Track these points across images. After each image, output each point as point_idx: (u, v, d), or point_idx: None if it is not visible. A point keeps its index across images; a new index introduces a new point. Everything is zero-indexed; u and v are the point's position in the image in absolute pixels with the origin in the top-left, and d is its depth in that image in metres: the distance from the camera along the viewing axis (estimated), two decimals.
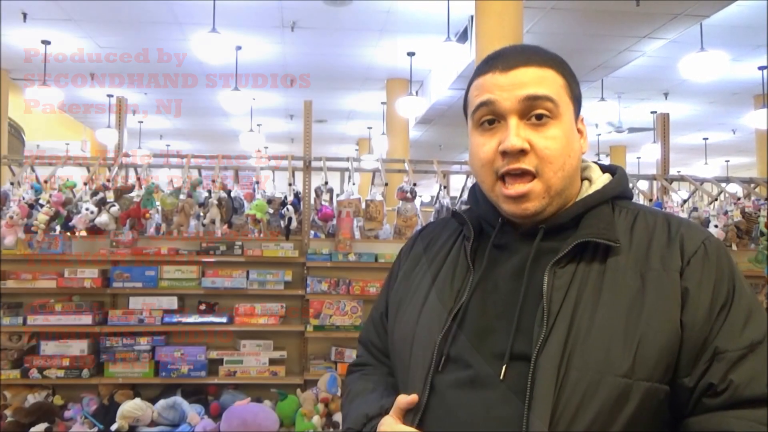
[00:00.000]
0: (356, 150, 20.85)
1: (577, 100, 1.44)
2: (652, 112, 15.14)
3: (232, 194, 5.18)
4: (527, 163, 1.34)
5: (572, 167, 1.39)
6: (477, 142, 1.41)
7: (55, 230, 5.02)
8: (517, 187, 1.35)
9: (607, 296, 1.27)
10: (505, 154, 1.35)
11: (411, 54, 12.37)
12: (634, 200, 1.50)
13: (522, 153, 1.34)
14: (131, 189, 5.04)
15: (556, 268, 1.31)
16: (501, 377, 1.27)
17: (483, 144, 1.39)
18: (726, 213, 5.68)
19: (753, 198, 5.98)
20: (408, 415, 1.38)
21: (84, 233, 5.14)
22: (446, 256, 1.53)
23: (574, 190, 1.43)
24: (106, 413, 4.48)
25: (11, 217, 4.68)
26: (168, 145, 21.19)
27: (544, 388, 1.21)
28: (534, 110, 1.35)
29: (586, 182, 1.47)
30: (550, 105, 1.35)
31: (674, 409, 1.26)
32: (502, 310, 1.34)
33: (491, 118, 1.38)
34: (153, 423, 4.39)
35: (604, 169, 1.51)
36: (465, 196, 5.68)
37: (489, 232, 1.47)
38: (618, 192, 1.44)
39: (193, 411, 4.46)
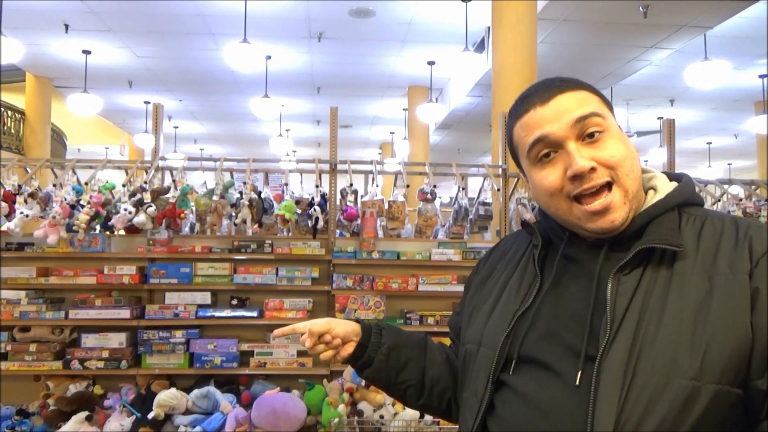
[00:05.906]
0: (379, 153, 20.87)
1: (612, 112, 1.41)
2: (658, 118, 15.10)
3: (263, 195, 5.15)
4: (601, 177, 1.30)
5: (638, 168, 1.37)
6: (539, 176, 1.37)
7: (95, 229, 5.00)
8: (601, 201, 1.30)
9: (674, 301, 1.21)
10: (575, 177, 1.31)
11: (431, 63, 12.38)
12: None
13: (592, 171, 1.29)
14: (167, 190, 5.02)
15: (620, 275, 1.27)
16: (577, 382, 1.23)
17: (546, 176, 1.35)
18: (728, 213, 5.61)
19: (754, 199, 5.96)
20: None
21: (122, 232, 5.13)
22: (517, 264, 1.51)
23: (641, 197, 1.39)
24: (143, 402, 4.46)
25: (54, 217, 4.67)
26: (202, 149, 21.32)
27: (610, 390, 1.16)
28: (586, 129, 1.32)
29: (651, 191, 1.41)
30: (599, 120, 1.32)
31: (750, 413, 1.18)
32: (572, 315, 1.31)
33: (547, 151, 1.34)
34: (188, 411, 4.36)
35: (671, 177, 1.45)
36: (483, 197, 5.65)
37: (557, 243, 1.44)
38: (683, 199, 1.37)
39: (225, 400, 4.43)
